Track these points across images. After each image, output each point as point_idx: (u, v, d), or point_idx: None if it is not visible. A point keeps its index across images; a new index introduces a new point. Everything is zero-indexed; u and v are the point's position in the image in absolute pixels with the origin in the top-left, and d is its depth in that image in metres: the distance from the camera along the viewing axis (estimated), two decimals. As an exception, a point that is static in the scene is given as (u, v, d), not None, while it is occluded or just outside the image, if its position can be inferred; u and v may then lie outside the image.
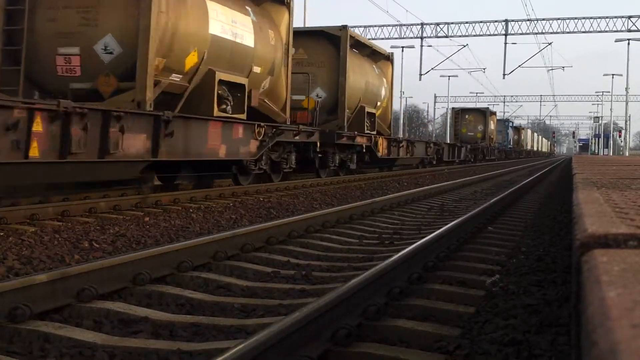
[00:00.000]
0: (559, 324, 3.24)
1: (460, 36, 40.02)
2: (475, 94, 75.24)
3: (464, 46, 43.91)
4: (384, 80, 20.90)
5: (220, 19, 10.78)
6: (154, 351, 2.94)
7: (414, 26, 40.82)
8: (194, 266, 4.71)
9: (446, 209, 9.84)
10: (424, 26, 40.69)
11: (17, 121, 6.68)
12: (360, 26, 40.51)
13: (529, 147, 73.90)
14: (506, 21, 38.90)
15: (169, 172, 11.22)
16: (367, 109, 18.35)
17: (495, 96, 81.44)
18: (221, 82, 10.81)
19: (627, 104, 52.29)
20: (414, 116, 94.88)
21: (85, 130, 7.54)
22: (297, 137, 13.55)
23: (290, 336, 2.69)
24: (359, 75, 17.93)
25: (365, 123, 18.03)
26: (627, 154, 52.16)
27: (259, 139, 11.78)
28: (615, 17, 37.02)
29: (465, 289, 4.16)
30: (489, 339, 3.06)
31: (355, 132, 16.95)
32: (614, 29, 36.98)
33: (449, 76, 58.23)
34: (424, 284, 4.21)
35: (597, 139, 76.78)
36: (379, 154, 19.45)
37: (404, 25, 40.67)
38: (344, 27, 16.92)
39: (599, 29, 37.11)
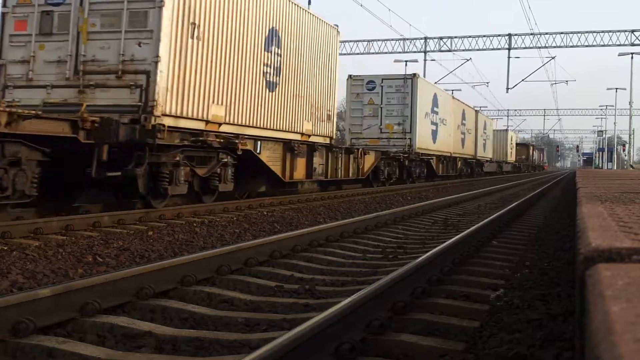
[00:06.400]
0: (563, 338, 3.23)
1: (463, 50, 40.15)
2: (479, 108, 75.18)
3: (467, 60, 43.89)
4: None
5: None
6: (157, 366, 2.93)
7: (417, 40, 40.96)
8: (197, 280, 4.71)
9: (450, 223, 9.82)
10: (427, 40, 40.83)
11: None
12: (364, 40, 40.70)
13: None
14: (509, 35, 38.99)
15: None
16: None
17: (498, 110, 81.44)
18: None
19: (630, 117, 52.24)
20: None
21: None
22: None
23: (294, 351, 2.68)
24: None
25: None
26: (631, 168, 52.04)
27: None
28: (619, 31, 37.09)
29: (470, 303, 4.14)
30: (493, 353, 3.05)
31: None
32: (618, 43, 37.02)
33: (452, 90, 58.26)
34: (428, 298, 4.20)
35: (600, 152, 76.60)
36: None
37: (407, 39, 40.81)
38: None
39: (602, 43, 37.14)
